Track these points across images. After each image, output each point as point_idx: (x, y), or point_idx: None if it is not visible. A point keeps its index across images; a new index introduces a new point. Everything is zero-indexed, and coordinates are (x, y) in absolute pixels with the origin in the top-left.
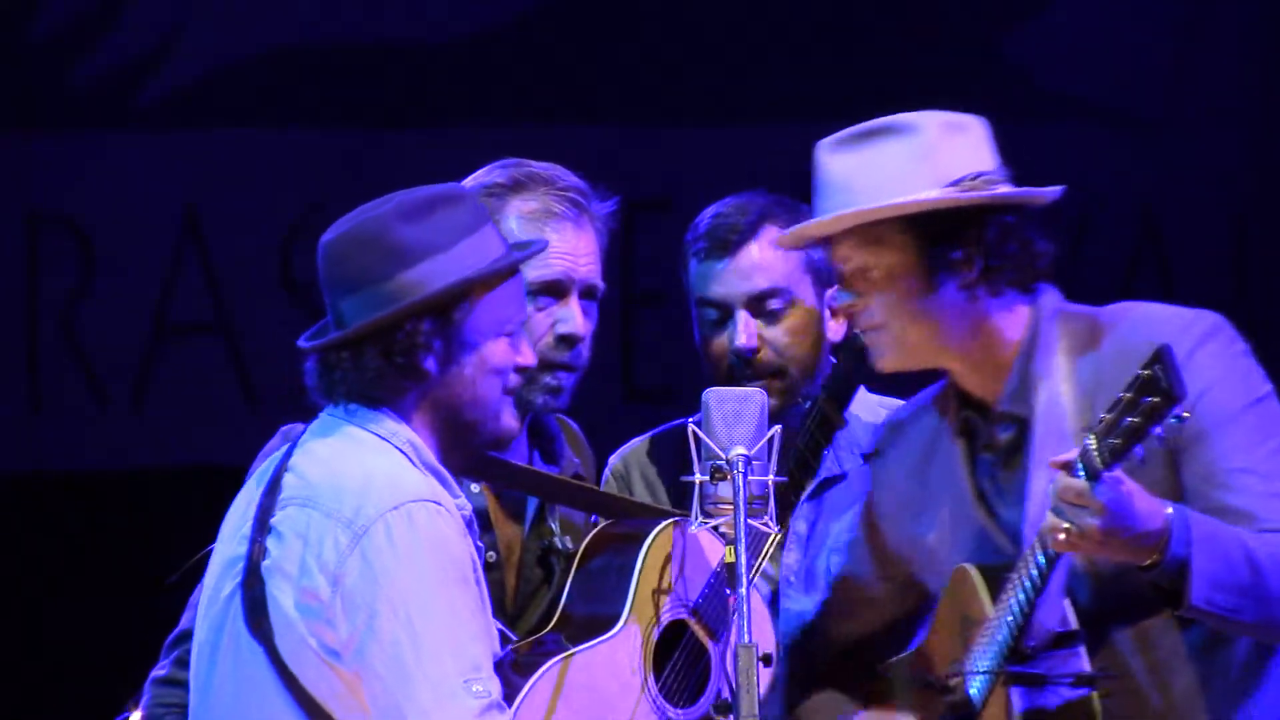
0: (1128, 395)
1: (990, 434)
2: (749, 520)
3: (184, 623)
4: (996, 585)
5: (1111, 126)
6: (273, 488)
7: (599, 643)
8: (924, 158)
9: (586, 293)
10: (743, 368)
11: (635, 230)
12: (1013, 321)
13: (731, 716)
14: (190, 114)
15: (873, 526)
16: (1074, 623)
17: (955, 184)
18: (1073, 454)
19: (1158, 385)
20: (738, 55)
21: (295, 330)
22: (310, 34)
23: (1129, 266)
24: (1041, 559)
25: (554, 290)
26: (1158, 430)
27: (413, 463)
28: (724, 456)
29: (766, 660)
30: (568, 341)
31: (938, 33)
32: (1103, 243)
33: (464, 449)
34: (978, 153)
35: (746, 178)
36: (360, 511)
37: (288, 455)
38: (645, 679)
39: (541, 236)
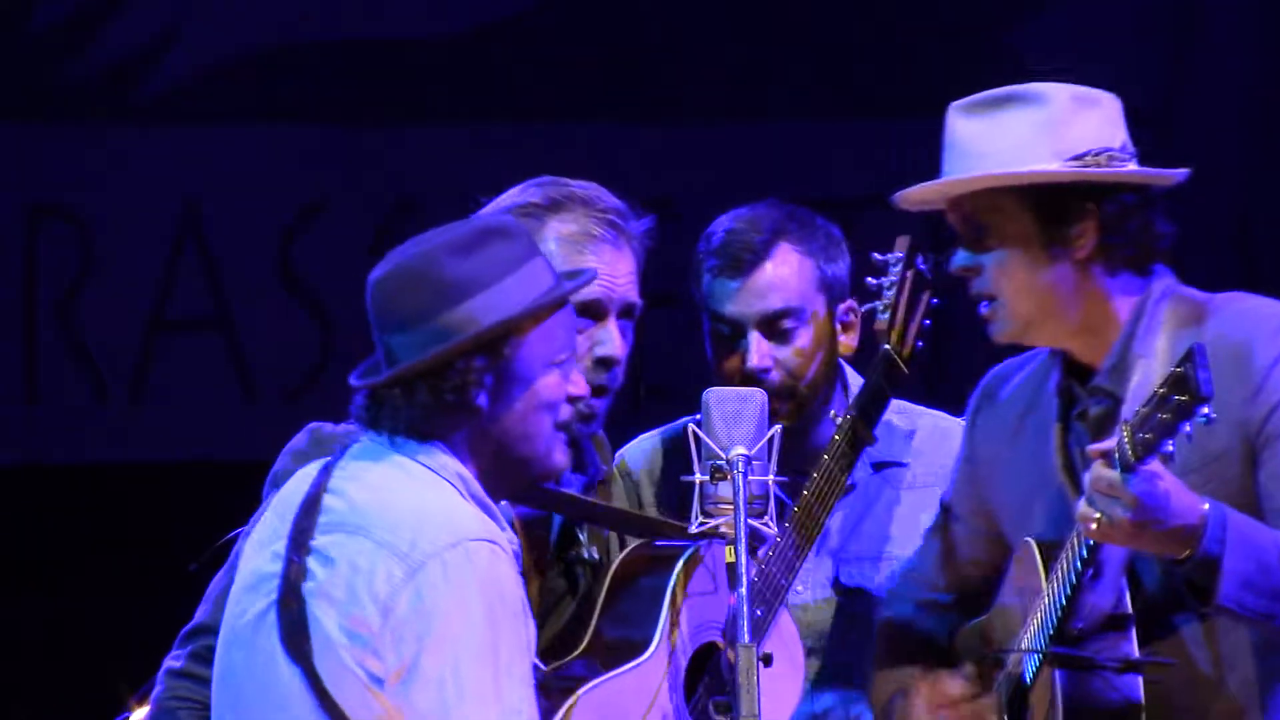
0: (1161, 390)
1: (1085, 405)
2: (749, 520)
3: (200, 615)
4: (1052, 562)
5: None
6: (310, 507)
7: (631, 668)
8: (1051, 129)
9: (624, 312)
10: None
11: None
12: (1126, 301)
13: (732, 716)
14: (190, 108)
15: (967, 479)
16: (1128, 606)
17: (1079, 158)
18: (1110, 443)
19: (1186, 384)
20: (738, 52)
21: (293, 325)
22: (311, 30)
23: None
24: (1085, 542)
25: (592, 312)
26: (1185, 428)
27: (462, 495)
28: (724, 456)
29: (766, 660)
30: (605, 364)
31: (937, 31)
32: None
33: (514, 484)
34: (1106, 128)
35: (749, 176)
36: (416, 545)
37: (326, 474)
38: (677, 703)
39: (581, 259)
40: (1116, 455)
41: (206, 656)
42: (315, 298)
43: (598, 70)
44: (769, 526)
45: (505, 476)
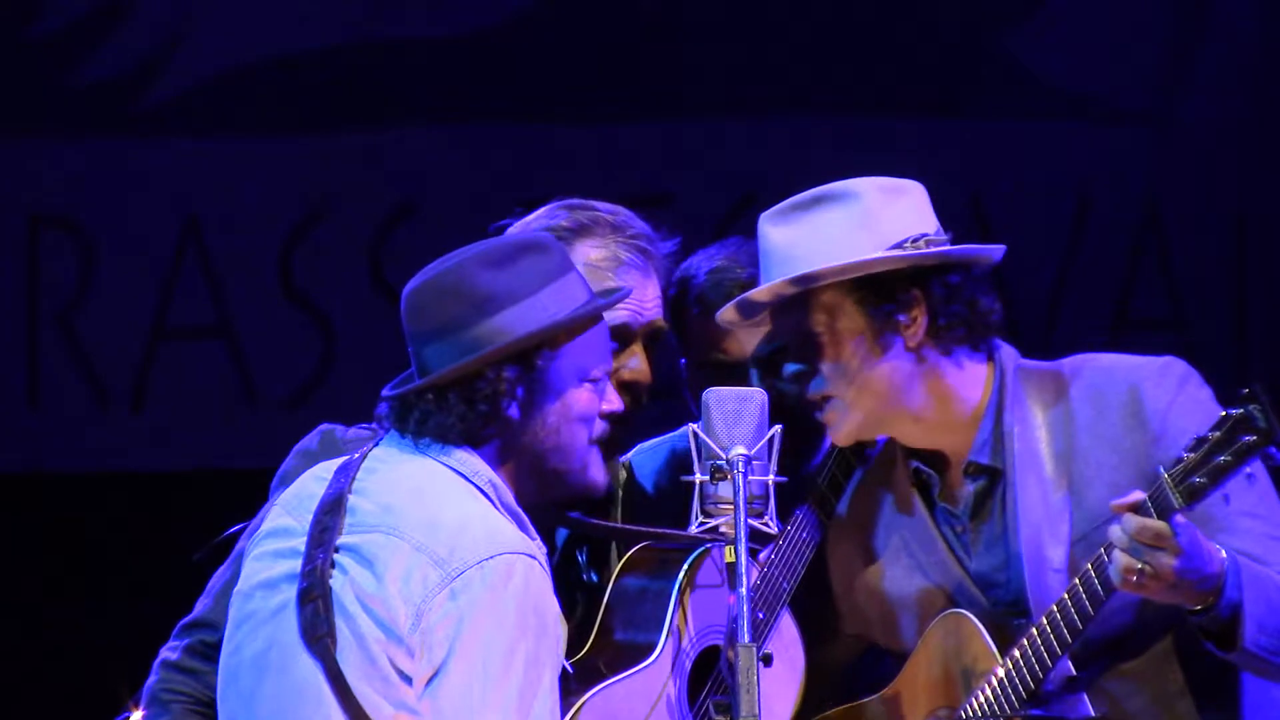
0: (1216, 435)
1: (949, 485)
2: (749, 520)
3: (199, 609)
4: (999, 631)
5: (1111, 124)
6: (333, 507)
7: (636, 671)
8: (865, 222)
9: (650, 337)
10: None
11: None
12: (968, 379)
13: (732, 717)
14: (190, 118)
15: (827, 567)
16: (1072, 669)
17: (897, 246)
18: (1138, 496)
19: (1253, 424)
20: (738, 51)
21: (295, 333)
22: (311, 39)
23: (1129, 265)
24: (1087, 603)
25: (619, 336)
26: (1247, 469)
27: (493, 504)
28: (724, 456)
29: (766, 660)
30: (630, 389)
31: (936, 29)
32: (1103, 241)
33: (549, 498)
34: (918, 215)
35: (746, 172)
36: (455, 553)
37: (347, 474)
38: (682, 707)
39: (609, 284)
40: (1151, 505)
41: (202, 651)
42: (316, 305)
43: (595, 71)
44: (769, 526)
45: (541, 489)
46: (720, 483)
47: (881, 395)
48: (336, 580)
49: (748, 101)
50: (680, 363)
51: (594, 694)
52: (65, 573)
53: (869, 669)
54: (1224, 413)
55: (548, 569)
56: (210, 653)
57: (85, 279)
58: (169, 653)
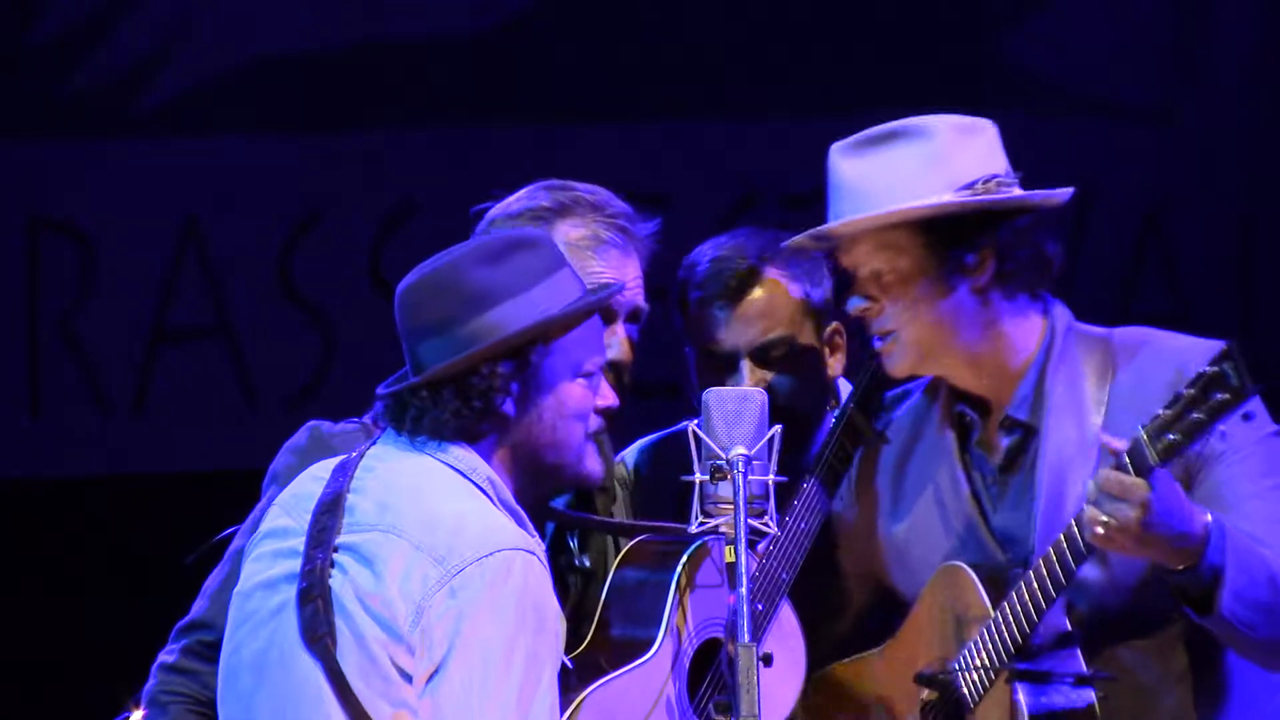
0: (1190, 392)
1: (988, 434)
2: (749, 520)
3: (196, 611)
4: (995, 584)
5: (1115, 121)
6: (332, 506)
7: (637, 666)
8: (936, 161)
9: (631, 316)
10: None
11: None
12: (1025, 329)
13: (732, 716)
14: (190, 119)
15: (840, 518)
16: (1068, 624)
17: (968, 187)
18: (1121, 444)
19: (1226, 382)
20: (738, 51)
21: (295, 334)
22: (310, 40)
23: (1132, 263)
24: (1070, 557)
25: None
26: (1221, 427)
27: (491, 500)
28: (724, 456)
29: (767, 660)
30: (613, 368)
31: (940, 27)
32: (1106, 239)
33: (547, 491)
34: (990, 155)
35: (746, 173)
36: (454, 551)
37: (345, 474)
38: (682, 701)
39: (589, 263)
40: (1128, 458)
41: (200, 652)
42: (316, 306)
43: (597, 71)
44: (769, 526)
45: (537, 484)
46: (720, 482)
47: (941, 334)
48: (336, 580)
49: (748, 102)
50: (686, 351)
51: (594, 689)
52: (66, 578)
53: (875, 622)
54: (1199, 370)
55: (547, 565)
56: (207, 653)
57: (85, 281)
58: (166, 656)
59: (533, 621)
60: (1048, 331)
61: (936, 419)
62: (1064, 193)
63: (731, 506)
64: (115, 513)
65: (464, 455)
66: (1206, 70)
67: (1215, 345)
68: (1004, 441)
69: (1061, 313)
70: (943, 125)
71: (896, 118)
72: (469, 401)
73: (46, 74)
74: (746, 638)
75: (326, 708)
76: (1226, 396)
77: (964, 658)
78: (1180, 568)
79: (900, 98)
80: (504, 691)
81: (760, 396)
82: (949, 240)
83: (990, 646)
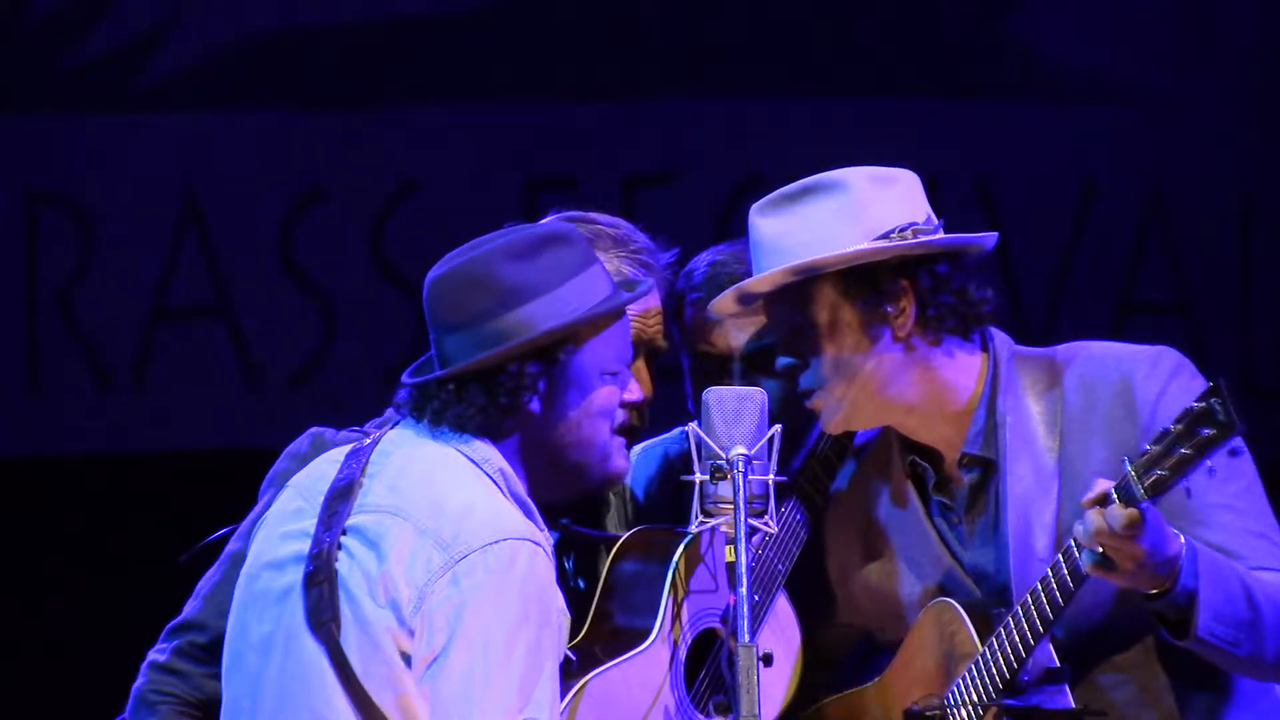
0: (1178, 428)
1: (945, 478)
2: (749, 520)
3: (188, 611)
4: (982, 621)
5: (1118, 105)
6: (344, 491)
7: (632, 656)
8: (852, 213)
9: (651, 354)
10: None
11: (635, 208)
12: (961, 368)
13: (732, 716)
14: (189, 95)
15: (812, 575)
16: (1056, 660)
17: (884, 236)
18: (1106, 486)
19: (1214, 417)
20: (740, 31)
21: (294, 312)
22: (308, 14)
23: (1134, 248)
24: (1058, 594)
25: None
26: (1207, 463)
27: (501, 491)
28: (724, 456)
29: (767, 660)
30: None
31: (942, 12)
32: (1108, 223)
33: (571, 490)
34: (907, 204)
35: (750, 152)
36: (458, 537)
37: (358, 458)
38: (679, 690)
39: None
40: (1117, 495)
41: (191, 653)
42: (316, 283)
43: (599, 49)
44: (769, 526)
45: (560, 482)
46: (720, 482)
47: (870, 386)
48: (343, 564)
49: (752, 82)
50: (682, 358)
51: (591, 678)
52: (65, 556)
53: (863, 658)
54: (1187, 406)
55: (553, 558)
56: (199, 654)
57: (84, 258)
58: (157, 655)
59: (536, 612)
60: (990, 364)
61: (893, 470)
62: (986, 238)
63: (731, 506)
64: (114, 490)
65: (480, 446)
66: (1209, 56)
67: (1156, 351)
68: (965, 477)
69: (1003, 341)
70: (858, 177)
71: (901, 100)
72: (494, 399)
73: (46, 48)
74: (747, 638)
75: (329, 692)
76: (1214, 432)
77: (953, 694)
78: (1154, 591)
79: (905, 81)
80: (505, 681)
81: (760, 396)
82: (867, 290)
83: (979, 683)
